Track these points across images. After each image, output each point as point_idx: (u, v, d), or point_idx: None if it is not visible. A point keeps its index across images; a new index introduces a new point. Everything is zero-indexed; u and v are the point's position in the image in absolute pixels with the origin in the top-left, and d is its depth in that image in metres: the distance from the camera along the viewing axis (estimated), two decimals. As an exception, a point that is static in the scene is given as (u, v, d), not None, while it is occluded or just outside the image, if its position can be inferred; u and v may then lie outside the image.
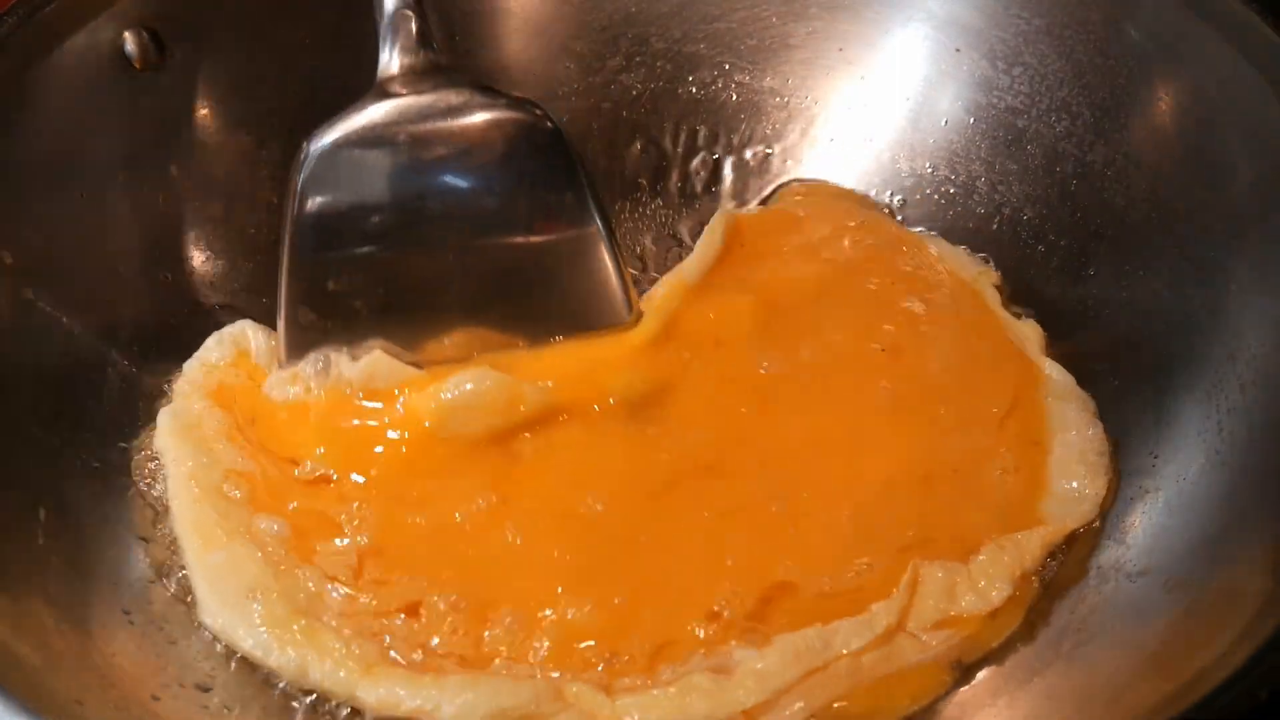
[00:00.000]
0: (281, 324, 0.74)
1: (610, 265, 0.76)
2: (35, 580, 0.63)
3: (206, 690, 0.64)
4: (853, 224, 0.85)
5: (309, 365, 0.74)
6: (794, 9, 0.88)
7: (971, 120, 0.85)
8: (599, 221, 0.75)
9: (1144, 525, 0.68)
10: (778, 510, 0.69)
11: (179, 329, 0.79)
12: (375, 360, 0.73)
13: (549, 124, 0.74)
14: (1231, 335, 0.69)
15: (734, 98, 0.91)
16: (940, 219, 0.86)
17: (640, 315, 0.77)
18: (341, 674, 0.63)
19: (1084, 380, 0.76)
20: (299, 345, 0.74)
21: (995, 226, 0.84)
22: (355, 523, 0.69)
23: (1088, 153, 0.79)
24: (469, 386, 0.71)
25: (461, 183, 0.74)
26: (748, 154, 0.91)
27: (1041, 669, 0.64)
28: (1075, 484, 0.71)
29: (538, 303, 0.76)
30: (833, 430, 0.73)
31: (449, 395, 0.71)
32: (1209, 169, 0.72)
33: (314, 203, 0.72)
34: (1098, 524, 0.70)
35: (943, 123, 0.86)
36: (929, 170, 0.87)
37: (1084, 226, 0.79)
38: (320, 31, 0.86)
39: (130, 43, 0.77)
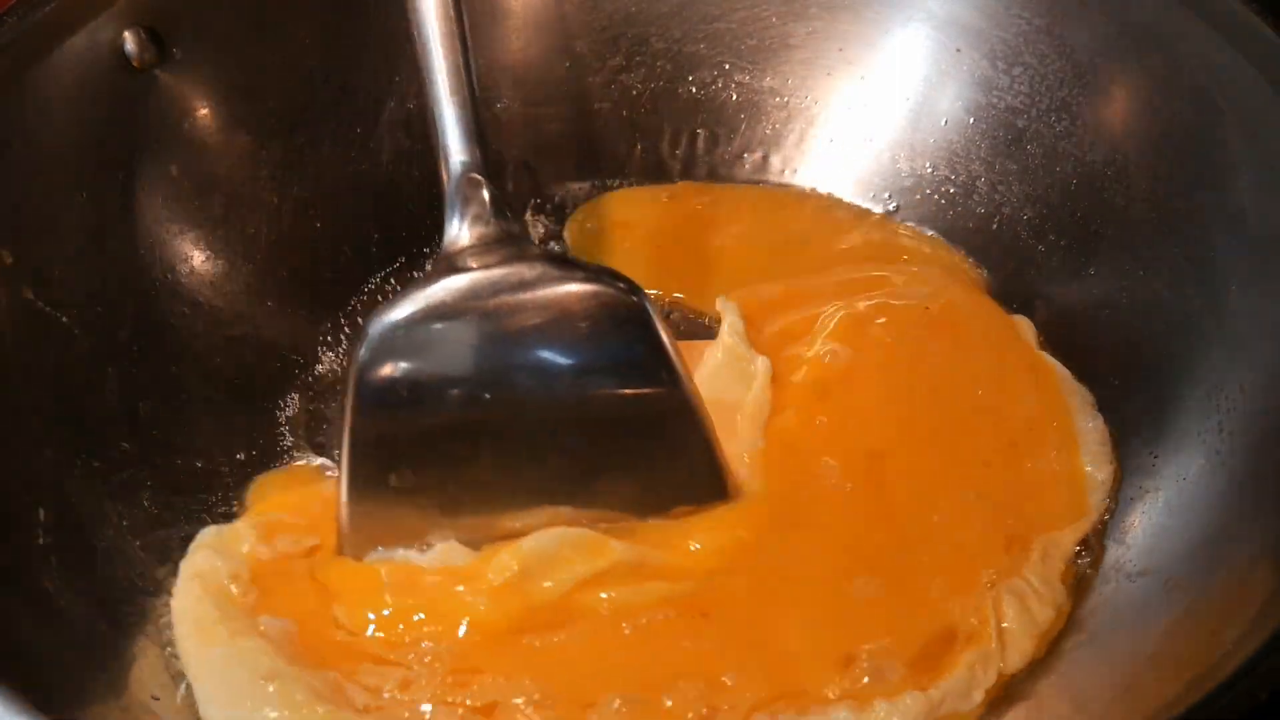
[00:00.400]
0: (343, 519, 0.68)
1: (706, 444, 0.69)
2: (35, 580, 0.63)
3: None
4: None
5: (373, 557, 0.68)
6: (794, 9, 0.88)
7: (971, 120, 0.85)
8: (691, 398, 0.68)
9: (1144, 525, 0.68)
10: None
11: (179, 329, 0.79)
12: (449, 550, 0.68)
13: (633, 297, 0.66)
14: (1231, 335, 0.69)
15: (734, 98, 0.91)
16: (940, 219, 0.86)
17: (738, 491, 0.70)
18: None
19: (1084, 380, 0.76)
20: (362, 544, 0.68)
21: (995, 226, 0.84)
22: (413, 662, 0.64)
23: (1088, 153, 0.79)
24: (552, 537, 0.66)
25: (538, 364, 0.66)
26: (747, 155, 0.91)
27: (1042, 670, 0.64)
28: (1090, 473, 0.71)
29: (623, 490, 0.69)
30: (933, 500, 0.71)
31: (531, 545, 0.66)
32: (1209, 169, 0.72)
33: (375, 389, 0.65)
34: (1097, 525, 0.70)
35: (943, 123, 0.86)
36: (929, 170, 0.87)
37: (1084, 226, 0.79)
38: (320, 31, 0.86)
39: (130, 42, 0.77)
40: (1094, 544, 0.69)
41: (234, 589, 0.66)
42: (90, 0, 0.75)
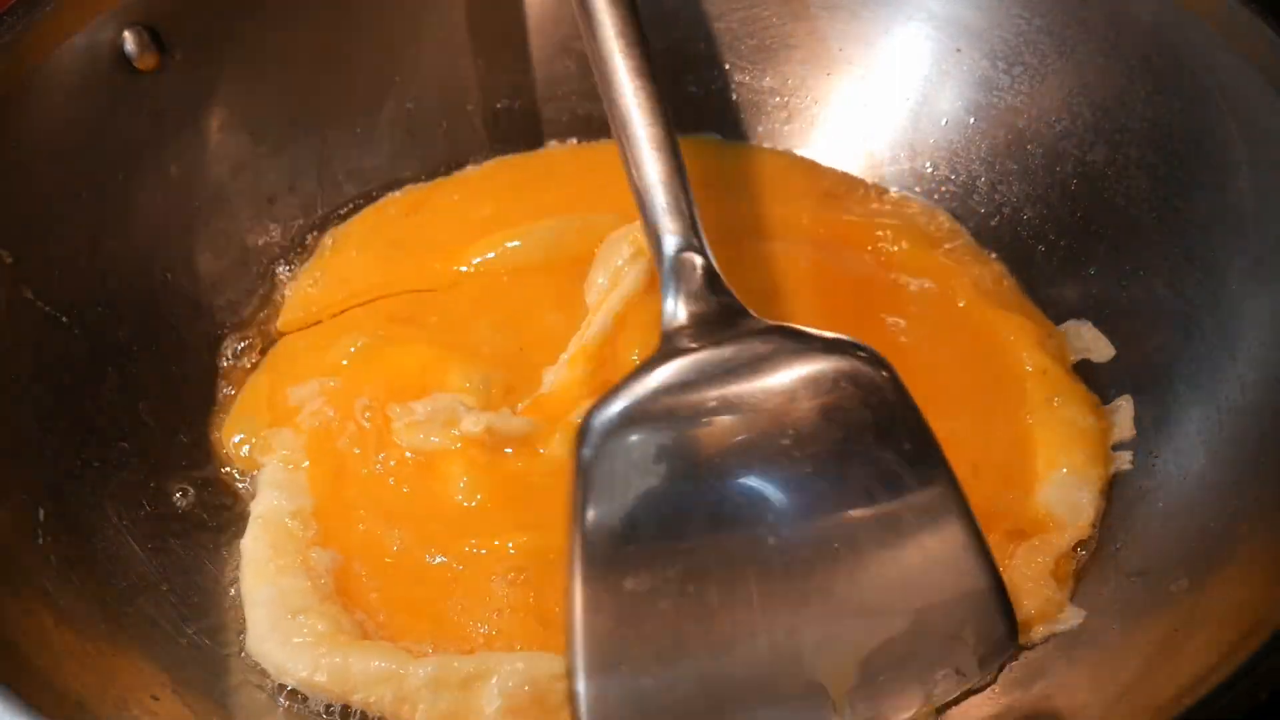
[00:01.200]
0: (578, 638, 0.57)
1: (975, 555, 0.59)
2: (35, 580, 0.63)
3: (203, 689, 0.64)
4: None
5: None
6: (794, 9, 0.88)
7: (971, 120, 0.85)
8: (955, 490, 0.59)
9: (1144, 525, 0.68)
10: None
11: (179, 329, 0.79)
12: None
13: (883, 371, 0.60)
14: (1231, 335, 0.69)
15: (734, 98, 0.91)
16: (940, 219, 0.86)
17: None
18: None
19: (1084, 380, 0.76)
20: (602, 661, 0.57)
21: (995, 226, 0.84)
22: None
23: (1088, 153, 0.79)
24: None
25: (781, 451, 0.58)
26: (748, 154, 0.91)
27: (1042, 670, 0.64)
28: (1069, 472, 0.71)
29: (884, 609, 0.59)
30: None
31: None
32: (1209, 169, 0.72)
33: (604, 491, 0.58)
34: (1096, 525, 0.70)
35: (943, 123, 0.86)
36: (929, 170, 0.87)
37: (1084, 226, 0.79)
38: (320, 32, 0.86)
39: (130, 42, 0.77)
40: (1093, 543, 0.69)
41: (293, 524, 0.69)
42: (90, 0, 0.75)
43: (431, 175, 0.89)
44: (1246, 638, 0.53)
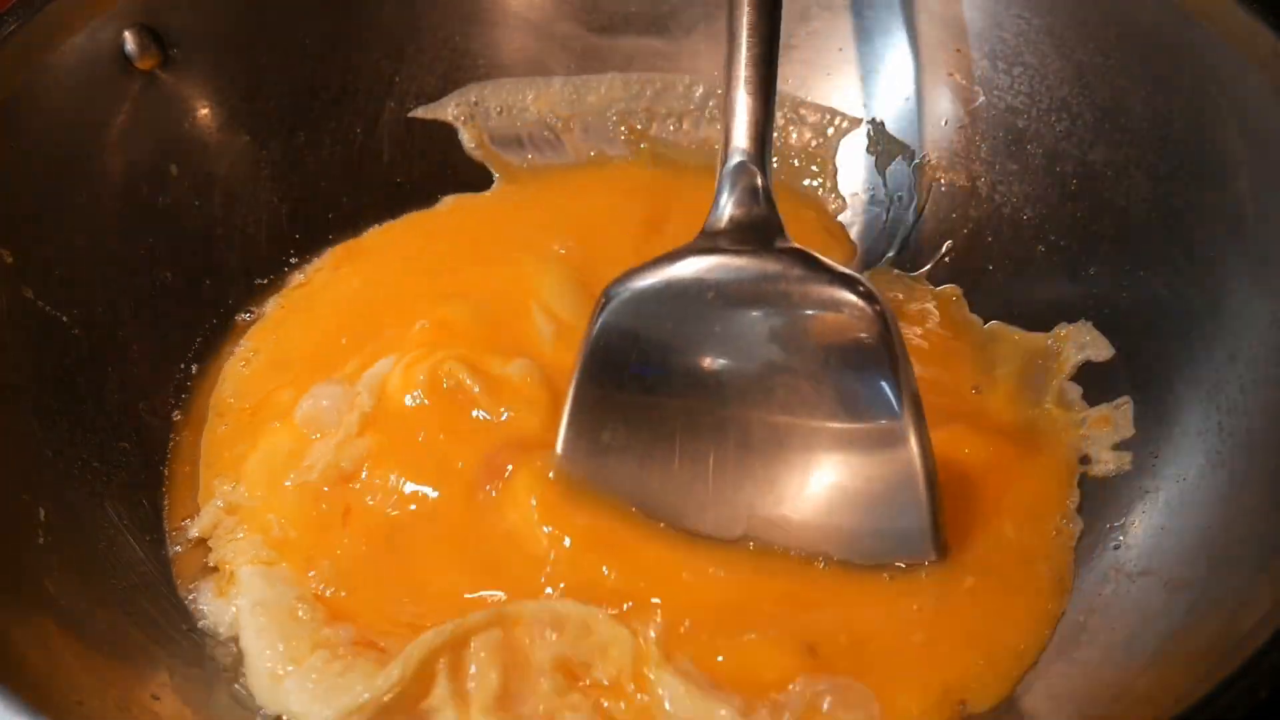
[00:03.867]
0: (558, 451, 0.70)
1: (921, 487, 0.65)
2: (35, 580, 0.63)
3: (203, 689, 0.64)
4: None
5: None
6: (794, 9, 0.88)
7: (971, 120, 0.85)
8: (914, 432, 0.65)
9: (1144, 525, 0.68)
10: None
11: (179, 329, 0.79)
12: None
13: (875, 306, 0.64)
14: (1231, 335, 0.69)
15: (734, 98, 0.91)
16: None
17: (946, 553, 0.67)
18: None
19: (1084, 380, 0.76)
20: (572, 477, 0.70)
21: (995, 226, 0.84)
22: None
23: (1088, 153, 0.79)
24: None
25: (761, 355, 0.67)
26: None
27: (1042, 671, 0.64)
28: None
29: (820, 509, 0.67)
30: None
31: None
32: (1209, 169, 0.72)
33: (605, 348, 0.68)
34: (1091, 523, 0.70)
35: (943, 123, 0.86)
36: (929, 170, 0.87)
37: (1084, 226, 0.79)
38: (320, 32, 0.86)
39: (130, 42, 0.77)
40: (1091, 542, 0.69)
41: (301, 612, 0.66)
42: (90, 0, 0.75)
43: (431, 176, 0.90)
44: (1246, 638, 0.53)
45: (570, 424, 0.69)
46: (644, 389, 0.69)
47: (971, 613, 0.66)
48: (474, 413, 0.73)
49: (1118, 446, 0.72)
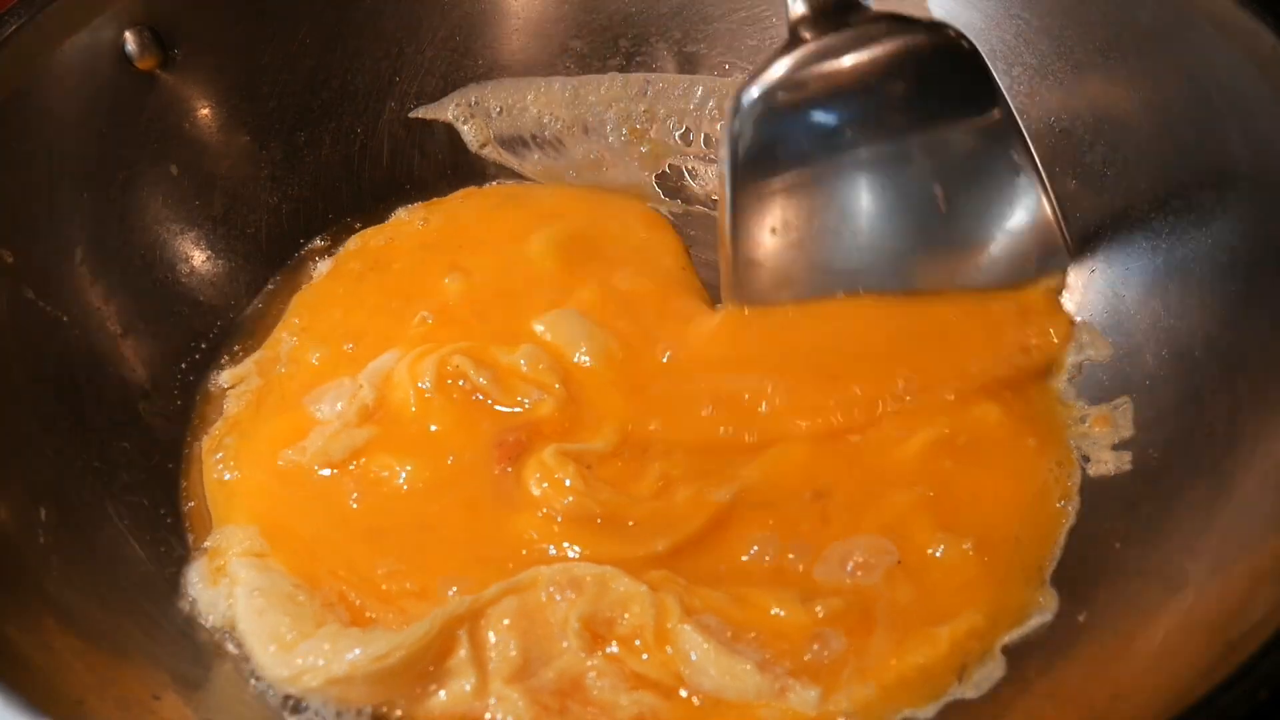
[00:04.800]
0: (729, 273, 0.79)
1: (1040, 195, 0.77)
2: (35, 580, 0.63)
3: (203, 688, 0.64)
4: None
5: None
6: (794, 13, 0.89)
7: (972, 120, 0.85)
8: (1023, 141, 0.76)
9: (1144, 525, 0.68)
10: None
11: (179, 328, 0.79)
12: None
13: (964, 44, 0.75)
14: (1231, 339, 0.69)
15: (734, 98, 0.91)
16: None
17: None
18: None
19: (1084, 379, 0.76)
20: (748, 294, 0.78)
21: (995, 226, 0.84)
22: None
23: (1087, 153, 0.79)
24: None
25: (881, 114, 0.76)
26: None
27: (1042, 670, 0.64)
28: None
29: (962, 239, 0.78)
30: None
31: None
32: (1209, 169, 0.72)
33: (747, 152, 0.76)
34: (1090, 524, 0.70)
35: (943, 122, 0.86)
36: (929, 170, 0.87)
37: (1084, 226, 0.79)
38: (320, 31, 0.86)
39: (131, 42, 0.77)
40: (1091, 542, 0.69)
41: (301, 597, 0.67)
42: (90, 0, 0.75)
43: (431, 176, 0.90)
44: (1246, 638, 0.53)
45: (735, 237, 0.77)
46: (796, 162, 0.77)
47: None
48: (486, 402, 0.74)
49: (1117, 446, 0.72)
